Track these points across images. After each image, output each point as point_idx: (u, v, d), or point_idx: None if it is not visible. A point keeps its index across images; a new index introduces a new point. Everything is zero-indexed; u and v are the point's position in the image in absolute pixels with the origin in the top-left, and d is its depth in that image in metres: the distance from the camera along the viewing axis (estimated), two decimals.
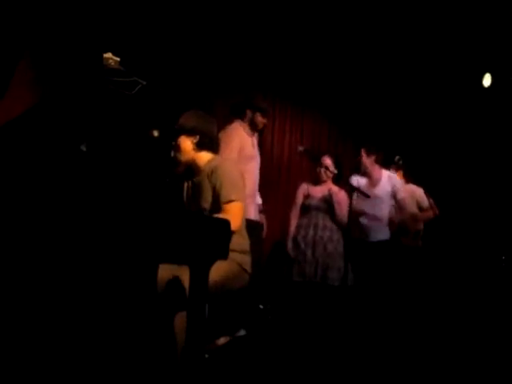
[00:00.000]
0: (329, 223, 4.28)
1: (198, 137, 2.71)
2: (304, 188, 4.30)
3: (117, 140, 2.59)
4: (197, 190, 2.74)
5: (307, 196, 4.26)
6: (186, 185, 2.84)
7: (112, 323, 2.06)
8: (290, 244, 4.21)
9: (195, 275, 1.92)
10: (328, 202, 4.29)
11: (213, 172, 2.65)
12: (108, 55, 2.40)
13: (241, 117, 3.91)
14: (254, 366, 3.16)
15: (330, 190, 4.28)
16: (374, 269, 4.36)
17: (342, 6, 4.85)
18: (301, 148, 4.52)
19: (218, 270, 2.44)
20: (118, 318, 2.08)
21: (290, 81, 5.51)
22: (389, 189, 4.49)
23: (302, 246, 4.18)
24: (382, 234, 4.48)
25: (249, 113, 3.95)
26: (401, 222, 4.65)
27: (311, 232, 4.22)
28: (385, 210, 4.49)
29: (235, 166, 2.83)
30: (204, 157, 2.75)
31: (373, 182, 4.48)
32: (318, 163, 4.33)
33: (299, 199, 4.28)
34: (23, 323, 1.82)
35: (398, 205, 4.57)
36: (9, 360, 1.79)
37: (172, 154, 2.78)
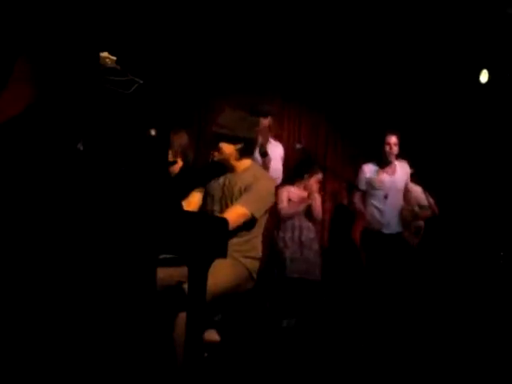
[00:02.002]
0: (308, 224, 4.38)
1: (241, 144, 2.69)
2: (287, 191, 4.34)
3: (114, 139, 2.59)
4: (229, 191, 2.72)
5: (289, 200, 4.30)
6: (217, 181, 2.79)
7: (111, 323, 2.06)
8: (280, 244, 4.24)
9: (194, 274, 1.92)
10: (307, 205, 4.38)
11: (251, 183, 2.64)
12: (104, 54, 2.39)
13: None
14: (253, 364, 3.16)
15: (309, 194, 4.39)
16: (388, 261, 4.40)
17: (340, 2, 4.84)
18: (298, 146, 4.54)
19: (228, 275, 2.48)
20: (117, 317, 2.08)
21: (288, 79, 5.50)
22: (404, 177, 4.54)
23: (293, 246, 4.23)
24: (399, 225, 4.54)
25: None
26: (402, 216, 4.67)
27: (297, 233, 4.27)
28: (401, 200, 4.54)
29: (273, 185, 2.82)
30: (242, 162, 2.74)
31: (392, 171, 4.47)
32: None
33: (285, 202, 4.31)
34: (22, 323, 1.82)
35: (406, 193, 4.60)
36: (8, 360, 1.78)
37: (170, 153, 2.78)
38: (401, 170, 4.53)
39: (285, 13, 4.89)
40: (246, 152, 2.73)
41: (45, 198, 1.56)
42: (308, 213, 4.40)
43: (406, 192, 4.59)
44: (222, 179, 2.77)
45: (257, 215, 2.62)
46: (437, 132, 5.93)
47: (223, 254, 1.96)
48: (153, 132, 2.88)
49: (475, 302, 4.70)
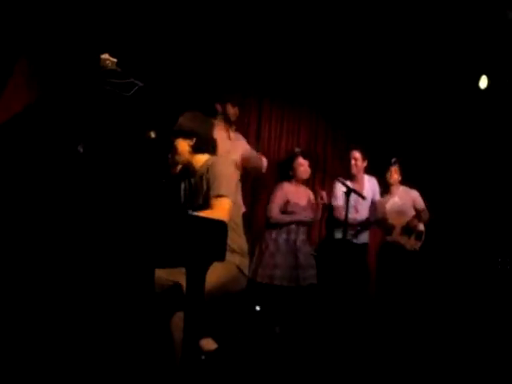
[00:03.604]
0: (303, 226, 4.32)
1: (194, 140, 2.73)
2: (283, 193, 4.31)
3: (114, 141, 2.59)
4: (194, 190, 2.75)
5: (287, 201, 4.27)
6: (182, 185, 2.85)
7: (110, 324, 2.06)
8: (271, 246, 4.20)
9: (192, 277, 1.92)
10: (307, 207, 4.33)
11: (208, 169, 2.67)
12: (105, 56, 2.39)
13: (212, 115, 3.92)
14: (251, 366, 3.16)
15: (309, 196, 4.37)
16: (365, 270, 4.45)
17: (340, 7, 4.85)
18: (297, 150, 4.54)
19: (218, 273, 2.46)
20: (115, 318, 2.08)
21: (286, 82, 5.51)
22: (370, 192, 4.63)
23: (284, 250, 4.18)
24: (366, 236, 4.62)
25: (219, 107, 3.98)
26: (406, 223, 4.69)
27: (293, 236, 4.23)
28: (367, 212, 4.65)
29: (230, 163, 2.85)
30: (200, 159, 2.76)
31: (360, 186, 4.53)
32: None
33: (280, 201, 4.28)
34: (22, 324, 1.82)
35: (375, 206, 4.66)
36: (8, 360, 1.78)
37: (170, 156, 2.80)
38: (368, 185, 4.63)
39: (284, 15, 4.91)
40: (200, 148, 2.76)
41: (44, 200, 1.56)
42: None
43: (376, 205, 4.66)
44: (186, 182, 2.82)
45: (232, 197, 2.63)
46: (436, 137, 5.95)
47: (221, 256, 1.97)
48: (152, 134, 2.89)
49: (473, 307, 4.70)
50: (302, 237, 4.27)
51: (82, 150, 2.00)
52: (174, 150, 2.75)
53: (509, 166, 5.53)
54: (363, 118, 5.85)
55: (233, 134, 4.10)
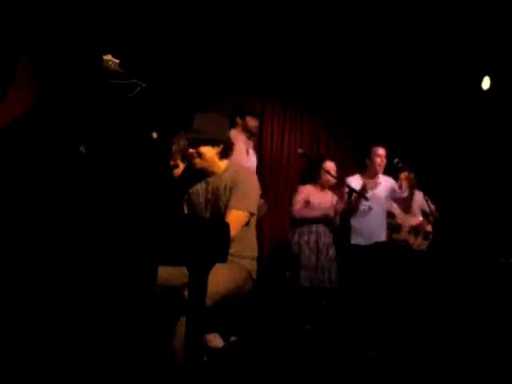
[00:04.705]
0: (327, 229, 4.27)
1: (221, 146, 2.71)
2: (306, 192, 4.29)
3: (116, 142, 2.59)
4: (214, 195, 2.73)
5: (308, 202, 4.25)
6: (199, 187, 2.81)
7: (110, 326, 2.06)
8: (295, 249, 4.20)
9: (194, 278, 1.92)
10: (328, 210, 4.28)
11: (233, 179, 2.66)
12: (107, 57, 2.39)
13: (232, 126, 3.89)
14: (254, 369, 3.15)
15: (332, 198, 4.32)
16: (377, 271, 4.38)
17: (341, 8, 4.85)
18: (300, 150, 4.52)
19: (227, 280, 2.47)
20: (116, 320, 2.08)
21: (289, 83, 5.51)
22: (383, 192, 4.47)
23: (307, 251, 4.17)
24: (382, 235, 4.49)
25: (239, 120, 3.89)
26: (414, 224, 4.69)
27: (313, 238, 4.20)
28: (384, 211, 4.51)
29: (254, 176, 2.83)
30: (222, 163, 2.75)
31: (375, 184, 4.42)
32: (320, 165, 4.32)
33: (299, 203, 4.26)
34: (21, 323, 1.82)
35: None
36: (7, 359, 1.78)
37: (172, 158, 2.78)
38: (384, 184, 4.40)
39: (287, 17, 4.91)
40: (225, 153, 2.75)
41: (46, 200, 1.56)
42: (325, 218, 4.28)
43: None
44: (203, 185, 2.78)
45: (252, 210, 2.63)
46: (439, 138, 5.94)
47: (224, 258, 1.96)
48: (154, 135, 2.89)
49: (475, 307, 4.70)
50: (324, 239, 4.25)
51: (84, 151, 2.00)
52: (196, 154, 2.70)
53: (511, 166, 5.53)
54: (366, 119, 5.85)
55: (251, 151, 4.01)
